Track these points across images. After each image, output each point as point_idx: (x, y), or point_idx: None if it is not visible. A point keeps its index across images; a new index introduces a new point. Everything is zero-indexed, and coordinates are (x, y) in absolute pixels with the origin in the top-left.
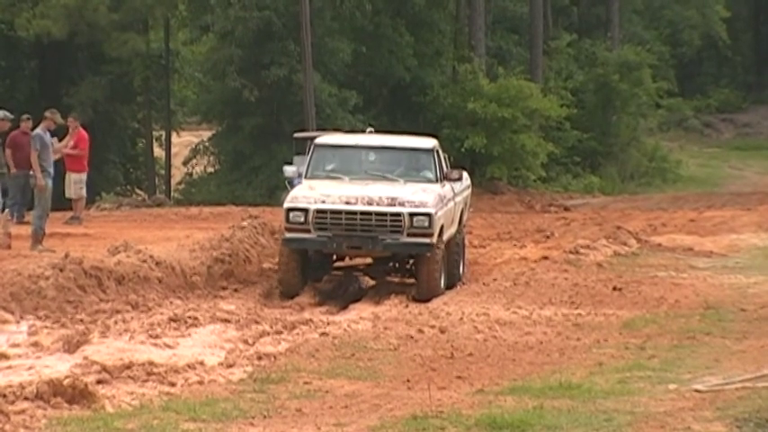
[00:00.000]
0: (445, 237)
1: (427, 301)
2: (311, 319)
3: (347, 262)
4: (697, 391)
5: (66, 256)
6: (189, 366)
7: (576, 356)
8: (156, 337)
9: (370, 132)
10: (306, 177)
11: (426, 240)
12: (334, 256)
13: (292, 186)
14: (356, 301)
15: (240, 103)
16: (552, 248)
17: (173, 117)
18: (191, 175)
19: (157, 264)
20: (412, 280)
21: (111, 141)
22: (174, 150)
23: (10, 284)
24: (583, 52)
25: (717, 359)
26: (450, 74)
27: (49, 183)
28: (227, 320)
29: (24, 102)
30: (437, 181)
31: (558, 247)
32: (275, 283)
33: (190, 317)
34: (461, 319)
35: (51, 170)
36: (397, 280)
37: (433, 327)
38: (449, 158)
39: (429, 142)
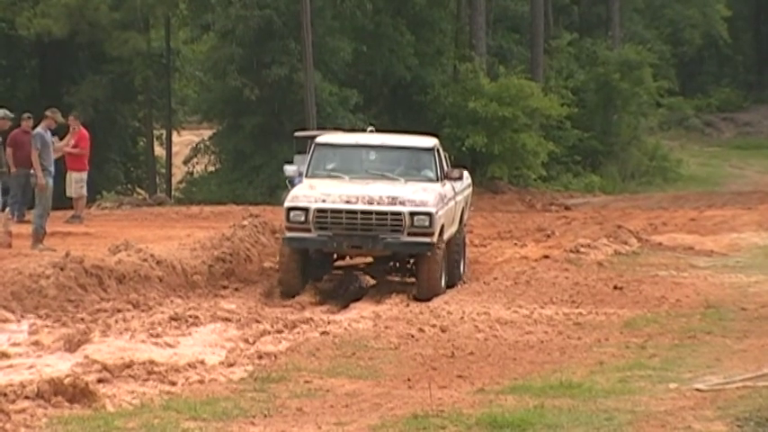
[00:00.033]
0: (446, 236)
1: (428, 300)
2: (312, 318)
3: (348, 261)
4: (698, 390)
5: (67, 254)
6: (190, 365)
7: (576, 355)
8: (157, 336)
9: (371, 131)
10: (306, 176)
11: (427, 240)
12: (335, 256)
13: (293, 185)
14: (357, 300)
15: (241, 101)
16: (553, 247)
17: (173, 116)
18: (191, 174)
19: (158, 263)
20: (412, 279)
21: (112, 140)
22: (174, 149)
23: (11, 283)
24: (584, 51)
25: (718, 358)
26: (451, 73)
27: (50, 182)
28: (227, 319)
29: (25, 100)
30: (438, 180)
31: (558, 246)
32: (276, 282)
33: (190, 316)
34: (462, 318)
35: (52, 169)
36: (397, 279)
37: (433, 326)
38: (449, 157)
39: (430, 141)
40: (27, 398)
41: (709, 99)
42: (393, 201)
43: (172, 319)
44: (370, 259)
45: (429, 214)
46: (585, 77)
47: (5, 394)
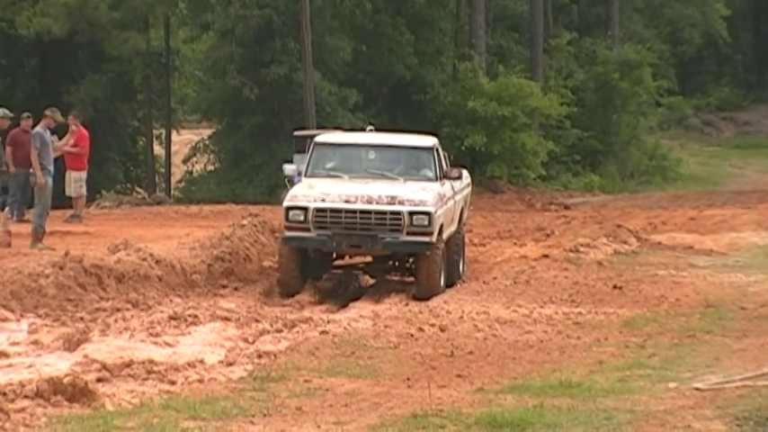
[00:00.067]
0: (445, 235)
1: (427, 299)
2: (311, 318)
3: (347, 260)
4: (697, 389)
5: (67, 254)
6: (189, 365)
7: (576, 355)
8: (157, 335)
9: (370, 131)
10: (306, 176)
11: (426, 239)
12: (334, 255)
13: (292, 185)
14: (356, 299)
15: (240, 101)
16: (552, 247)
17: (173, 115)
18: (191, 173)
19: (157, 262)
20: (412, 278)
21: (112, 139)
22: (174, 149)
23: (10, 282)
24: (583, 51)
25: (717, 358)
26: (451, 72)
27: (50, 181)
28: (227, 319)
29: (25, 100)
30: (437, 179)
31: (558, 245)
32: (275, 281)
33: (190, 315)
34: (461, 317)
35: (51, 168)
36: (396, 278)
37: (433, 325)
38: (449, 157)
39: (429, 141)
40: (26, 397)
41: (709, 98)
42: (392, 200)
43: (171, 318)
44: (369, 259)
45: (428, 214)
46: (585, 77)
47: (5, 393)
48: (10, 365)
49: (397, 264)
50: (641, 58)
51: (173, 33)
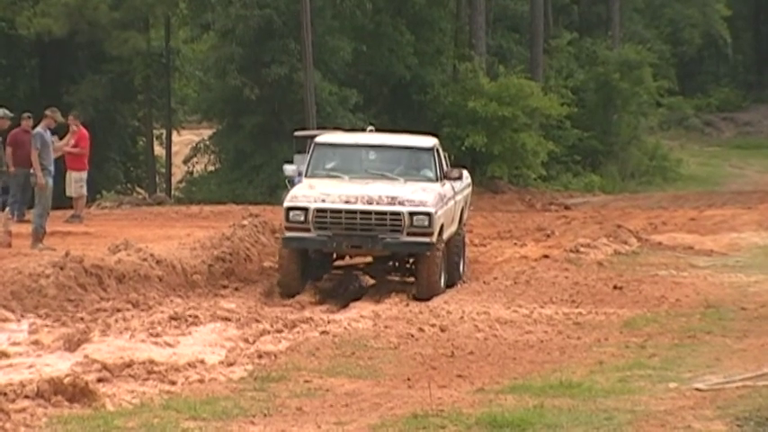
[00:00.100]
0: (445, 236)
1: (427, 299)
2: (312, 318)
3: (347, 261)
4: (698, 389)
5: (67, 254)
6: (189, 365)
7: (576, 355)
8: (157, 335)
9: (371, 131)
10: (306, 176)
11: (426, 239)
12: (334, 255)
13: (292, 185)
14: (357, 299)
15: (241, 101)
16: (553, 247)
17: (173, 115)
18: (191, 173)
19: (158, 262)
20: (412, 279)
21: (112, 140)
22: (174, 149)
23: (11, 283)
24: (583, 51)
25: (717, 358)
26: (451, 72)
27: (50, 181)
28: (227, 319)
29: (25, 100)
30: (437, 180)
31: (558, 245)
32: (276, 281)
33: (190, 315)
34: (462, 317)
35: (52, 168)
36: (397, 279)
37: (433, 325)
38: (449, 157)
39: (429, 141)
40: (27, 397)
41: (709, 99)
42: (392, 201)
43: (171, 318)
44: (369, 259)
45: (428, 214)
46: (585, 77)
47: (5, 394)
48: (10, 365)
49: (397, 264)
50: (642, 58)
51: (173, 33)
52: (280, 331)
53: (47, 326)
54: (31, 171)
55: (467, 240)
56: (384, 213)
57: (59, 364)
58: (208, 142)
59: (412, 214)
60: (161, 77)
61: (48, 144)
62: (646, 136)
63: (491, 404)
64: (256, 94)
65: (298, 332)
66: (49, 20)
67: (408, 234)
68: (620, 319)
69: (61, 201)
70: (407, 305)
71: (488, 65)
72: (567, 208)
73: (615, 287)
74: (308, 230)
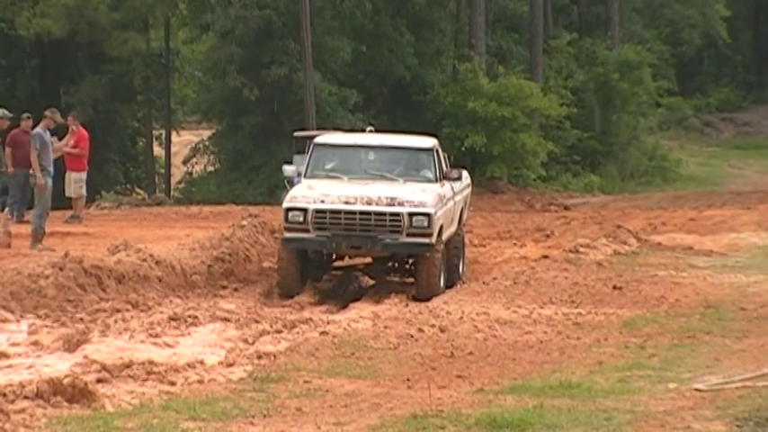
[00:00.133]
0: (445, 236)
1: (427, 300)
2: (311, 318)
3: (346, 261)
4: (697, 390)
5: (66, 254)
6: (189, 365)
7: (576, 355)
8: (156, 336)
9: (370, 131)
10: (305, 177)
11: (425, 240)
12: (334, 256)
13: (292, 186)
14: (356, 300)
15: (240, 101)
16: (552, 247)
17: (173, 116)
18: (191, 174)
19: (157, 263)
20: (412, 279)
21: (112, 140)
22: (174, 149)
23: (10, 283)
24: (583, 51)
25: (717, 358)
26: (451, 73)
27: (49, 182)
28: (227, 319)
29: (24, 100)
30: (437, 180)
31: (558, 246)
32: (275, 282)
33: (190, 316)
34: (461, 318)
35: (51, 169)
36: (396, 279)
37: (433, 326)
38: (449, 157)
39: (428, 141)
40: (26, 398)
41: (709, 99)
42: (392, 201)
43: (171, 319)
44: (368, 260)
45: (428, 215)
46: (585, 77)
47: (5, 394)
48: (10, 366)
49: (396, 265)
50: (641, 58)
51: (172, 34)
52: (279, 332)
53: (46, 326)
54: (31, 172)
55: (466, 241)
56: (383, 214)
57: (59, 365)
58: (207, 143)
59: (411, 215)
60: (160, 78)
61: (47, 145)
62: (645, 136)
63: (490, 404)
64: (256, 94)
65: (297, 333)
66: (49, 20)
67: (408, 235)
68: (620, 320)
69: (60, 201)
70: (407, 306)
71: (488, 65)
72: (566, 208)
73: (615, 287)
74: (307, 231)
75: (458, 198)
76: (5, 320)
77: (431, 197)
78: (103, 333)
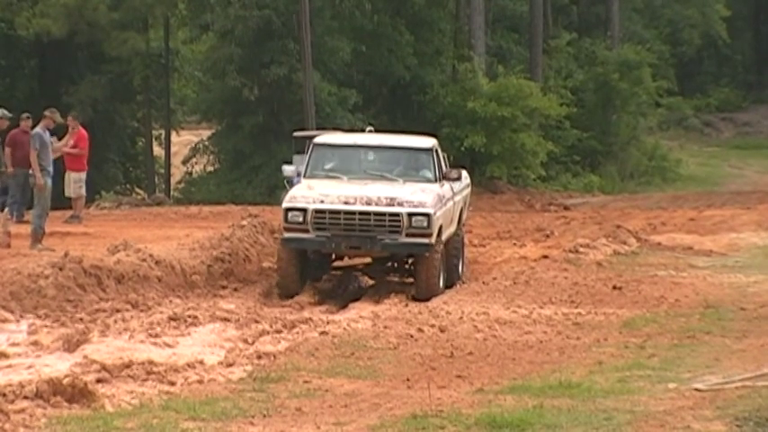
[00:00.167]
0: (444, 236)
1: (426, 300)
2: (311, 318)
3: (346, 261)
4: (697, 389)
5: (66, 254)
6: (188, 365)
7: (575, 355)
8: (156, 336)
9: (370, 131)
10: (305, 177)
11: (425, 240)
12: (333, 256)
13: (291, 186)
14: (356, 300)
15: (240, 101)
16: (552, 247)
17: (172, 116)
18: (190, 174)
19: (157, 263)
20: (411, 279)
21: (111, 140)
22: (173, 149)
23: (10, 283)
24: (583, 51)
25: (717, 358)
26: (450, 73)
27: (49, 182)
28: (226, 319)
29: (24, 100)
30: (436, 180)
31: (557, 246)
32: (275, 282)
33: (189, 316)
34: (461, 318)
35: (51, 169)
36: (396, 279)
37: (432, 326)
38: (448, 157)
39: (428, 142)
40: (26, 398)
41: (709, 99)
42: (391, 202)
43: (171, 319)
44: (368, 260)
45: (427, 215)
46: (584, 77)
47: (4, 394)
48: (9, 366)
49: (396, 265)
50: (641, 58)
51: (172, 34)
52: (279, 332)
53: (46, 326)
54: (30, 172)
55: (466, 241)
56: (383, 214)
57: (58, 365)
58: (207, 143)
59: (411, 215)
60: (160, 78)
61: (47, 145)
62: (645, 136)
63: (490, 404)
64: (255, 94)
65: (297, 333)
66: (49, 20)
67: (407, 235)
68: (620, 320)
69: (60, 201)
70: (407, 306)
71: (487, 65)
72: (566, 208)
73: (614, 287)
74: (306, 231)
75: (457, 198)
76: (5, 320)
77: (430, 197)
78: (103, 333)
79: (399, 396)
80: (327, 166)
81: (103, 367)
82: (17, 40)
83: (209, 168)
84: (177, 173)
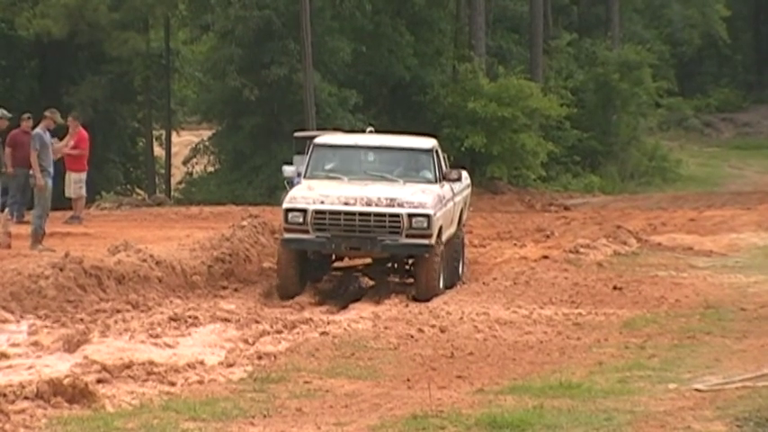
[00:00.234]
0: (444, 237)
1: (427, 300)
2: (311, 319)
3: (346, 262)
4: (697, 390)
5: (67, 255)
6: (189, 366)
7: (576, 356)
8: (157, 336)
9: (370, 132)
10: (305, 177)
11: (425, 241)
12: (333, 257)
13: (292, 186)
14: (356, 300)
15: (240, 102)
16: (552, 248)
17: (173, 116)
18: (191, 174)
19: (157, 263)
20: (411, 280)
21: (112, 141)
22: (174, 150)
23: (10, 284)
24: (583, 51)
25: (717, 358)
26: (451, 73)
27: (49, 182)
28: (227, 320)
29: (24, 101)
30: (436, 181)
31: (558, 246)
32: (275, 282)
33: (190, 316)
34: (461, 318)
35: (51, 169)
36: (396, 280)
37: (433, 326)
38: (449, 158)
39: (428, 142)
40: (26, 398)
41: (709, 99)
42: (391, 202)
43: (171, 319)
44: (368, 260)
45: (427, 216)
46: (585, 78)
47: (5, 395)
48: (10, 367)
49: (396, 266)
50: (641, 58)
51: (172, 34)
52: (279, 332)
53: (46, 327)
54: (31, 172)
55: (466, 241)
56: (383, 215)
57: (59, 365)
58: (207, 143)
59: (411, 216)
60: (160, 78)
61: (47, 145)
62: (645, 137)
63: (491, 405)
64: (256, 95)
65: (297, 333)
66: (49, 21)
67: (407, 236)
68: (620, 320)
69: (60, 202)
70: (407, 306)
71: (488, 65)
72: (566, 209)
73: (615, 288)
74: (306, 232)
75: (457, 199)
76: (5, 321)
77: (430, 198)
78: (103, 333)
79: (400, 396)
80: (328, 167)
81: (104, 368)
82: (17, 41)
83: (210, 169)
84: (178, 173)
